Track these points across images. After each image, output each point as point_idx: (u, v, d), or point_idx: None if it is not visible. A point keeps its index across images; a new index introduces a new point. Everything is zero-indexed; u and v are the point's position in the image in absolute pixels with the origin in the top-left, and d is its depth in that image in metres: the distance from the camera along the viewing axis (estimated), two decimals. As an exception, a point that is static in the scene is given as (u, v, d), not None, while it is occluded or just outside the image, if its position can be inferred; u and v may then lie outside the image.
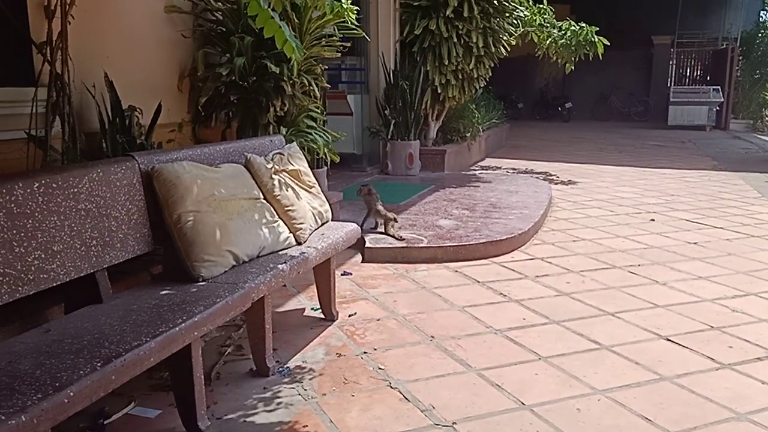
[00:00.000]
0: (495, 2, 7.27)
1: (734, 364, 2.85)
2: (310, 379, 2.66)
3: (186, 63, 4.19)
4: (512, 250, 4.67)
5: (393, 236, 4.56)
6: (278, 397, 2.51)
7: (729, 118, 16.96)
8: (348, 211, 5.02)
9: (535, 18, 8.39)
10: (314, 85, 4.35)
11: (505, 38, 7.68)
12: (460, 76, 7.60)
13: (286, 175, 3.10)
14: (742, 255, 4.68)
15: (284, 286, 3.66)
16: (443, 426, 2.31)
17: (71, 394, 1.59)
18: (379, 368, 2.76)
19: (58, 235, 2.07)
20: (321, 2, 4.00)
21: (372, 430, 2.28)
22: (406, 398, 2.50)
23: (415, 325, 3.25)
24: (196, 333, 2.10)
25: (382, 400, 2.49)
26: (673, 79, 19.18)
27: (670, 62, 19.20)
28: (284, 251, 2.86)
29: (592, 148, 12.05)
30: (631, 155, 11.04)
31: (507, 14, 7.65)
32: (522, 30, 8.24)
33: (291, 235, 2.96)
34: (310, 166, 3.42)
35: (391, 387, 2.60)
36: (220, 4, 4.17)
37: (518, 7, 7.93)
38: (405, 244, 4.42)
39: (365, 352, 2.92)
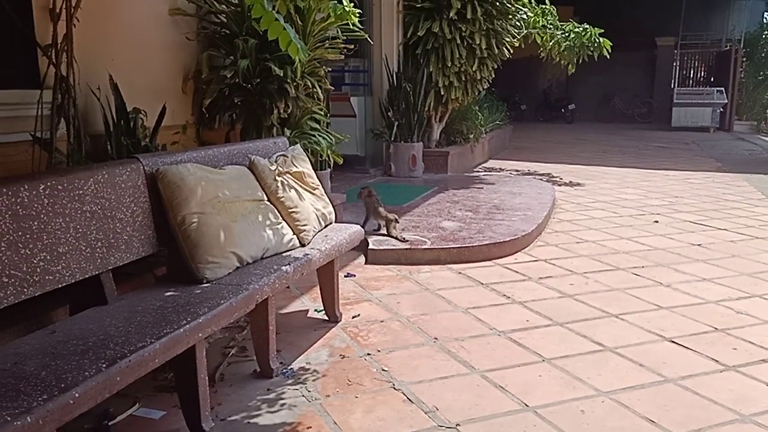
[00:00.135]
0: (498, 4, 7.28)
1: (738, 366, 2.85)
2: (314, 380, 2.67)
3: (190, 65, 4.21)
4: (515, 252, 4.66)
5: (396, 238, 4.56)
6: (282, 399, 2.51)
7: (733, 119, 16.92)
8: (351, 213, 5.03)
9: (538, 20, 8.39)
10: (318, 87, 4.36)
11: (508, 40, 7.68)
12: (463, 78, 7.60)
13: (290, 176, 3.11)
14: (747, 257, 4.66)
15: (288, 287, 3.66)
16: (447, 427, 2.31)
17: (76, 395, 1.60)
18: (383, 370, 2.77)
19: (64, 237, 2.08)
20: (325, 5, 4.01)
21: (376, 431, 2.28)
22: (410, 400, 2.51)
23: (418, 327, 3.25)
24: (200, 334, 2.10)
25: (385, 402, 2.49)
26: (676, 80, 19.16)
27: (674, 63, 19.18)
28: (288, 253, 2.87)
29: (595, 150, 12.04)
30: (635, 157, 11.03)
31: (510, 16, 7.65)
32: (525, 32, 8.24)
33: (294, 236, 2.96)
34: (313, 168, 3.43)
35: (394, 388, 2.60)
36: (224, 6, 4.18)
37: (521, 8, 7.93)
38: (408, 246, 4.43)
39: (369, 354, 2.93)
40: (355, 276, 4.09)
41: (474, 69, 7.48)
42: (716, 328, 3.28)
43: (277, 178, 2.99)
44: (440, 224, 5.09)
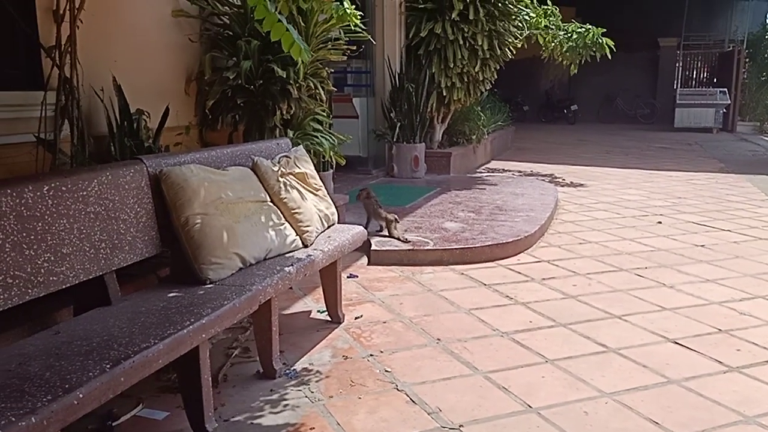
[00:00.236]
0: (500, 5, 7.28)
1: (742, 367, 2.84)
2: (317, 381, 2.67)
3: (193, 67, 4.22)
4: (518, 253, 4.66)
5: (398, 238, 4.56)
6: (285, 400, 2.51)
7: (736, 120, 16.90)
8: (354, 214, 5.03)
9: (540, 20, 8.39)
10: (320, 89, 4.36)
11: (510, 41, 7.68)
12: (466, 79, 7.60)
13: (293, 177, 3.11)
14: (750, 258, 4.65)
15: (291, 288, 3.67)
16: (450, 429, 2.31)
17: (81, 395, 1.60)
18: (386, 371, 2.77)
19: (68, 238, 2.08)
20: (327, 6, 4.01)
21: (379, 432, 2.29)
22: (413, 401, 2.51)
23: (421, 328, 3.25)
24: (203, 335, 2.11)
25: (388, 403, 2.49)
26: (679, 81, 19.13)
27: (677, 64, 19.15)
28: (291, 254, 2.87)
29: (597, 151, 12.03)
30: (638, 157, 11.01)
31: (513, 17, 7.65)
32: (527, 32, 8.24)
33: (297, 237, 2.97)
34: (316, 169, 3.43)
35: (397, 389, 2.60)
36: (227, 8, 4.19)
37: (524, 9, 7.93)
38: (411, 247, 4.43)
39: (372, 355, 2.93)
40: (357, 277, 4.09)
41: (476, 70, 7.48)
42: (720, 330, 3.27)
43: (280, 179, 2.99)
44: (443, 225, 5.09)
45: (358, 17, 4.26)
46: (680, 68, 19.25)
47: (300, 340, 3.09)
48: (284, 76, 3.97)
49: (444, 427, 2.31)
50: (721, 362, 2.88)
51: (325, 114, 4.62)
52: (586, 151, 11.87)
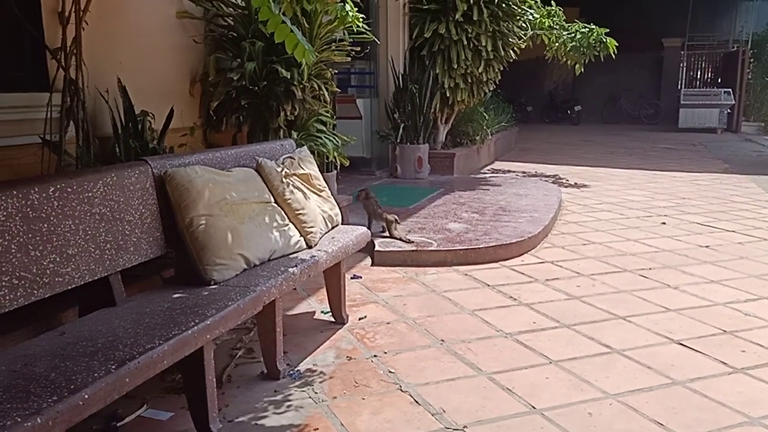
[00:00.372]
0: (504, 6, 7.28)
1: (747, 368, 2.83)
2: (321, 382, 2.67)
3: (197, 68, 4.23)
4: (522, 254, 4.66)
5: (399, 239, 4.56)
6: (289, 400, 2.52)
7: (740, 120, 16.84)
8: (357, 215, 5.03)
9: (544, 20, 8.38)
10: (324, 90, 4.37)
11: (514, 42, 7.68)
12: (470, 80, 7.60)
13: (297, 178, 3.12)
14: (755, 258, 4.64)
15: (295, 289, 3.67)
16: (454, 429, 2.31)
17: (86, 396, 1.60)
18: (390, 371, 2.77)
19: (73, 239, 2.09)
20: (332, 7, 4.02)
21: (383, 433, 2.29)
22: (417, 402, 2.51)
23: (425, 329, 3.26)
24: (208, 336, 2.11)
25: (392, 404, 2.49)
26: (683, 81, 19.08)
27: (681, 65, 19.11)
28: (295, 254, 2.88)
29: (601, 151, 12.00)
30: (641, 158, 10.99)
31: (516, 18, 7.65)
32: (531, 33, 8.23)
33: (301, 238, 2.97)
34: (319, 170, 3.43)
35: (401, 390, 2.60)
36: (231, 9, 4.20)
37: (528, 10, 7.92)
38: (414, 248, 4.43)
39: (375, 356, 2.93)
40: (361, 278, 4.10)
41: (480, 71, 7.48)
42: (724, 331, 3.26)
43: (284, 180, 3.00)
44: (446, 226, 5.09)
45: (362, 18, 4.26)
46: (684, 68, 19.21)
47: (304, 341, 3.09)
48: (288, 77, 3.98)
49: (448, 428, 2.31)
50: (725, 363, 2.88)
51: (328, 115, 4.63)
52: (590, 152, 11.85)
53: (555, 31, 8.45)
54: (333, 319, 3.33)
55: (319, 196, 3.25)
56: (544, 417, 2.40)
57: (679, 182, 8.33)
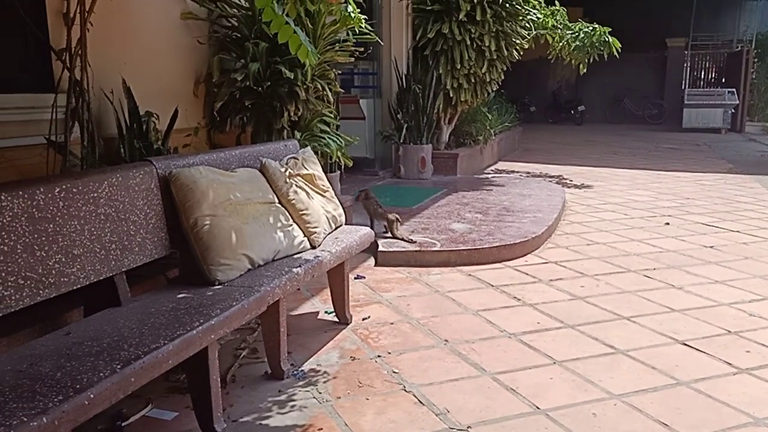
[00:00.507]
0: (508, 6, 7.26)
1: (752, 368, 2.83)
2: (325, 382, 2.68)
3: (201, 69, 4.24)
4: (526, 254, 4.65)
5: (401, 238, 4.56)
6: (293, 400, 2.52)
7: (744, 120, 16.79)
8: (361, 215, 5.03)
9: (547, 20, 8.37)
10: (328, 90, 4.38)
11: (517, 42, 7.67)
12: (473, 80, 7.60)
13: (301, 179, 3.12)
14: (759, 258, 4.63)
15: (298, 289, 3.68)
16: (458, 430, 2.31)
17: (91, 396, 1.61)
18: (393, 372, 2.77)
19: (78, 239, 2.10)
20: (336, 8, 4.02)
21: (387, 433, 2.29)
22: (421, 402, 2.51)
23: (428, 329, 3.26)
24: (212, 336, 2.12)
25: (396, 404, 2.49)
26: (687, 81, 19.02)
27: (684, 64, 19.04)
28: (299, 255, 2.88)
29: (605, 151, 11.98)
30: (645, 158, 10.97)
31: (520, 17, 7.64)
32: (534, 33, 8.22)
33: (305, 238, 2.97)
34: (323, 170, 3.44)
35: (405, 390, 2.60)
36: (235, 10, 4.21)
37: (531, 10, 7.92)
38: (418, 248, 4.43)
39: (379, 356, 2.93)
40: (365, 278, 4.10)
41: (483, 71, 7.47)
42: (729, 331, 3.25)
43: (288, 180, 3.00)
44: (450, 226, 5.09)
45: (365, 19, 4.26)
46: (688, 68, 19.14)
47: (308, 341, 3.10)
48: (292, 77, 3.99)
49: (452, 429, 2.32)
50: (730, 364, 2.87)
51: (332, 115, 4.63)
52: (594, 152, 11.83)
53: (559, 31, 8.44)
54: (337, 320, 3.33)
55: (323, 196, 3.25)
56: (548, 417, 2.39)
57: (684, 182, 8.31)
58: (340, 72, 4.91)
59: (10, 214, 1.88)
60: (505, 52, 7.51)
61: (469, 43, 7.21)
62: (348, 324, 3.30)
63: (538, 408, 2.46)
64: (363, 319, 3.38)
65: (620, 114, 19.02)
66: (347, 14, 4.06)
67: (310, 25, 4.11)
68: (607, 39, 8.21)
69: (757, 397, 2.56)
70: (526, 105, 18.07)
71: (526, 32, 7.92)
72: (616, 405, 2.49)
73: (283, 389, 2.61)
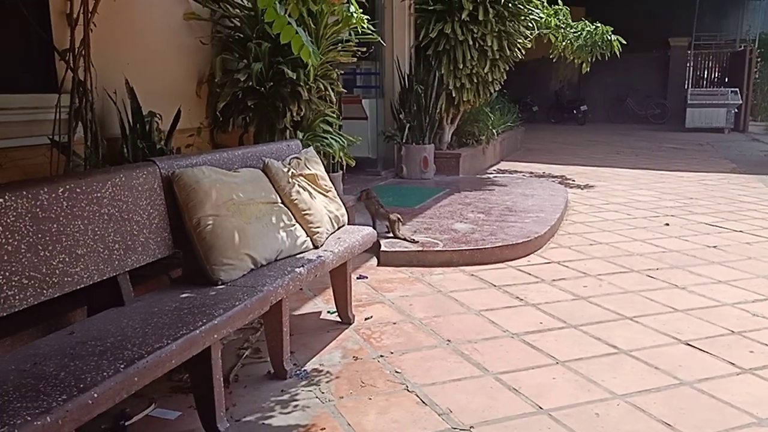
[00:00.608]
0: (510, 5, 7.26)
1: (755, 368, 2.82)
2: (327, 382, 2.68)
3: (204, 69, 4.25)
4: (528, 254, 4.65)
5: (403, 238, 4.56)
6: (296, 400, 2.52)
7: (747, 120, 16.75)
8: (363, 215, 5.03)
9: (550, 20, 8.36)
10: (330, 90, 4.38)
11: (520, 41, 7.66)
12: (475, 80, 7.59)
13: (303, 179, 3.13)
14: (763, 259, 4.61)
15: (301, 289, 3.68)
16: (461, 430, 2.31)
17: (95, 395, 1.62)
18: (396, 371, 2.77)
19: (82, 239, 2.11)
20: (339, 8, 4.03)
21: (389, 433, 2.29)
22: (423, 402, 2.51)
23: (431, 329, 3.26)
24: (215, 336, 2.12)
25: (399, 404, 2.49)
26: (690, 81, 18.98)
27: (687, 64, 19.01)
28: (301, 255, 2.89)
29: (608, 151, 11.97)
30: (648, 158, 10.95)
31: (522, 17, 7.63)
32: (537, 32, 8.21)
33: (308, 238, 2.98)
34: (326, 170, 3.44)
35: (408, 390, 2.60)
36: (237, 10, 4.21)
37: (533, 10, 7.91)
38: (420, 248, 4.43)
39: (382, 356, 2.93)
40: (367, 278, 4.10)
41: (486, 71, 7.47)
42: (732, 331, 3.25)
43: (291, 180, 3.01)
44: (452, 226, 5.09)
45: (367, 19, 4.26)
46: (691, 68, 19.10)
47: (310, 341, 3.10)
48: (294, 77, 3.99)
49: (455, 428, 2.32)
50: (733, 364, 2.86)
51: (334, 115, 4.64)
52: (596, 152, 11.82)
53: (561, 30, 8.43)
54: (339, 319, 3.33)
55: (326, 196, 3.25)
56: (551, 417, 2.39)
57: (687, 182, 8.29)
58: (342, 72, 4.91)
59: (14, 214, 1.89)
60: (508, 51, 7.50)
61: (471, 42, 7.20)
62: (350, 324, 3.31)
63: (540, 408, 2.46)
64: (365, 319, 3.38)
65: (623, 114, 18.99)
66: (349, 14, 4.06)
67: (312, 26, 4.12)
68: (609, 38, 8.20)
69: (761, 398, 2.55)
70: (529, 105, 18.05)
71: (529, 32, 7.91)
72: (619, 405, 2.49)
73: (286, 389, 2.61)
